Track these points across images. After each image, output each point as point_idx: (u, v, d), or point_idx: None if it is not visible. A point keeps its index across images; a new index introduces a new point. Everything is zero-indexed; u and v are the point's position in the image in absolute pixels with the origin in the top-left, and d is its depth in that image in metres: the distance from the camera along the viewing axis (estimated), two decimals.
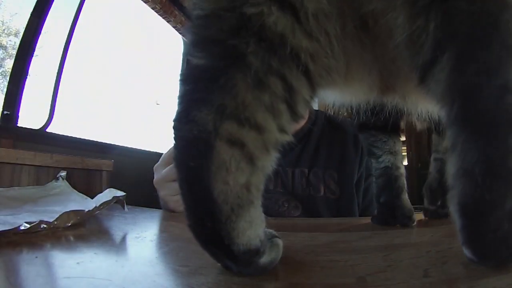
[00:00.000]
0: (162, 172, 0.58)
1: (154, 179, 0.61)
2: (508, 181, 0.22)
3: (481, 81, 0.22)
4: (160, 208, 0.71)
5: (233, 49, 0.26)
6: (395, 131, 0.50)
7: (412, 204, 0.50)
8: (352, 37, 0.29)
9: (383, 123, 0.48)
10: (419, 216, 0.53)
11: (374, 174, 0.51)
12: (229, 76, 0.25)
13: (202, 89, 0.26)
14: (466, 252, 0.24)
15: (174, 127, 0.26)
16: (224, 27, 0.26)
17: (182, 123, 0.25)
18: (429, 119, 0.44)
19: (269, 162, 0.27)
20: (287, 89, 0.27)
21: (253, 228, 0.25)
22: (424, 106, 0.41)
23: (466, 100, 0.22)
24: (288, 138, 0.28)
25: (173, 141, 0.26)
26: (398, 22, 0.25)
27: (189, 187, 0.25)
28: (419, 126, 0.51)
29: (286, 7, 0.26)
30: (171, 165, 0.55)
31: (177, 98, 0.27)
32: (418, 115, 0.43)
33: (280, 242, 0.27)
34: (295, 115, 0.28)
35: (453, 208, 0.24)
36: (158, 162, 0.61)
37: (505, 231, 0.22)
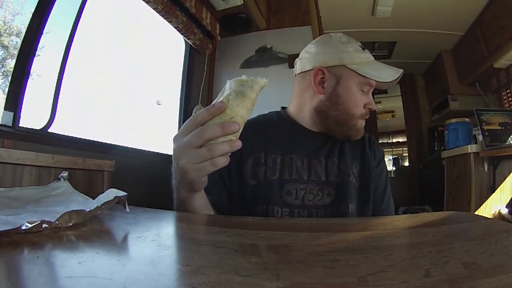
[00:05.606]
0: (184, 139, 0.52)
1: (173, 148, 0.55)
2: None
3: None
4: (161, 208, 0.69)
5: None
6: None
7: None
8: None
9: None
10: (418, 216, 0.53)
11: None
12: None
13: None
14: None
15: None
16: None
17: None
18: None
19: None
20: None
21: None
22: None
23: None
24: None
25: None
26: None
27: None
28: None
29: None
30: (193, 132, 0.50)
31: None
32: None
33: None
34: None
35: None
36: (179, 131, 0.54)
37: None
